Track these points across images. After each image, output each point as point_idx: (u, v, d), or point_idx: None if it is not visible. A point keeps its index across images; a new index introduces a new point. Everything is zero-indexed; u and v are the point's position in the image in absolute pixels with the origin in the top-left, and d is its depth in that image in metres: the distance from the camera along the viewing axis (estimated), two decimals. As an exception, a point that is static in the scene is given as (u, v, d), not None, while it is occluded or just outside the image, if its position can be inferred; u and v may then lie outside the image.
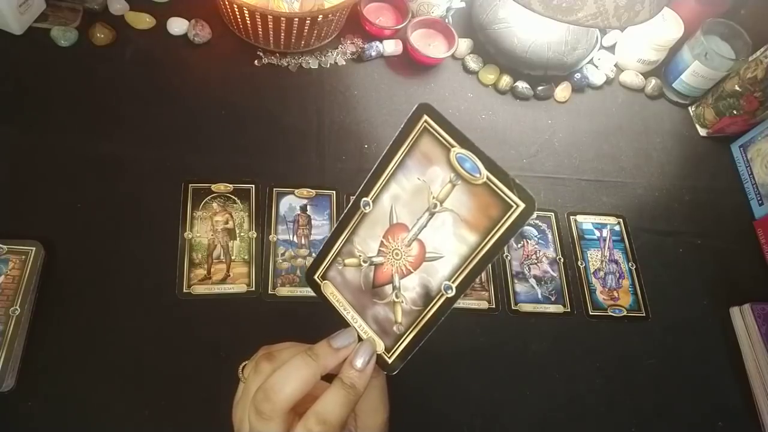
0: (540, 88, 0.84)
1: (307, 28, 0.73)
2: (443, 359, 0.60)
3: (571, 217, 0.75)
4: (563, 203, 0.76)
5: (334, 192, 0.68)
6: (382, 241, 0.36)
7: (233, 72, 0.75)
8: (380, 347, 0.37)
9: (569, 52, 0.82)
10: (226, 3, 0.72)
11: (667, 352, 0.68)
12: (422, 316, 0.35)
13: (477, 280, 0.66)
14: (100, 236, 0.60)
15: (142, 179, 0.64)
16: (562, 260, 0.71)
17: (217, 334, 0.58)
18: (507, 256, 0.70)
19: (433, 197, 0.33)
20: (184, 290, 0.59)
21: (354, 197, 0.37)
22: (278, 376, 0.34)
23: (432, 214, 0.34)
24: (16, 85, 0.67)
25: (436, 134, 0.33)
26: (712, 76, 0.85)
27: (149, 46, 0.74)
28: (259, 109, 0.73)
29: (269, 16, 0.70)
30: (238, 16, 0.72)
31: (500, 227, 0.31)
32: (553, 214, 0.74)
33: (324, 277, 0.40)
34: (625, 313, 0.70)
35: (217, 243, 0.62)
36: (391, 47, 0.81)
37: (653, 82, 0.90)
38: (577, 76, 0.86)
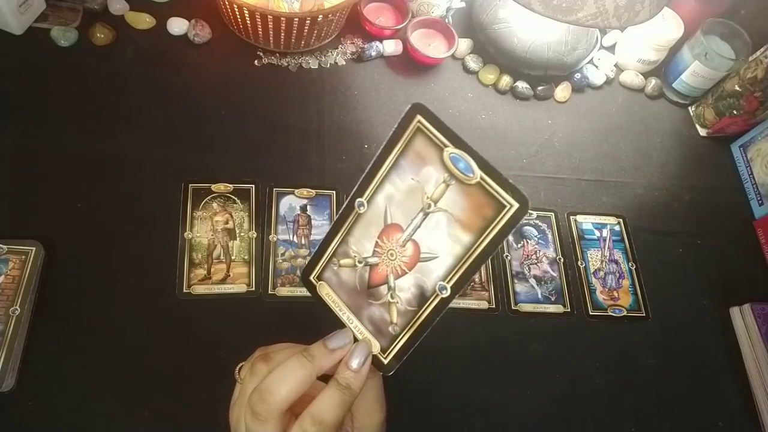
0: (540, 88, 0.84)
1: (307, 28, 0.73)
2: (443, 359, 0.60)
3: (571, 217, 0.75)
4: (563, 203, 0.76)
5: (334, 192, 0.68)
6: (377, 242, 0.36)
7: (233, 72, 0.75)
8: (376, 348, 0.37)
9: (569, 52, 0.82)
10: (226, 3, 0.72)
11: (667, 352, 0.68)
12: (417, 316, 0.35)
13: (477, 280, 0.67)
14: (100, 236, 0.60)
15: (142, 179, 0.64)
16: (562, 260, 0.71)
17: (217, 334, 0.58)
18: (507, 256, 0.70)
19: (427, 197, 0.33)
20: (184, 290, 0.59)
21: (348, 198, 0.37)
22: (274, 378, 0.34)
23: (426, 215, 0.34)
24: (16, 85, 0.67)
25: (430, 134, 0.32)
26: (712, 76, 0.85)
27: (149, 46, 0.74)
28: (259, 109, 0.73)
29: (269, 16, 0.70)
30: (238, 16, 0.72)
31: (494, 227, 0.31)
32: (553, 214, 0.74)
33: (320, 277, 0.40)
34: (625, 313, 0.70)
35: (217, 243, 0.62)
36: (391, 47, 0.81)
37: (653, 82, 0.90)
38: (577, 76, 0.86)
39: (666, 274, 0.74)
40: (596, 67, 0.89)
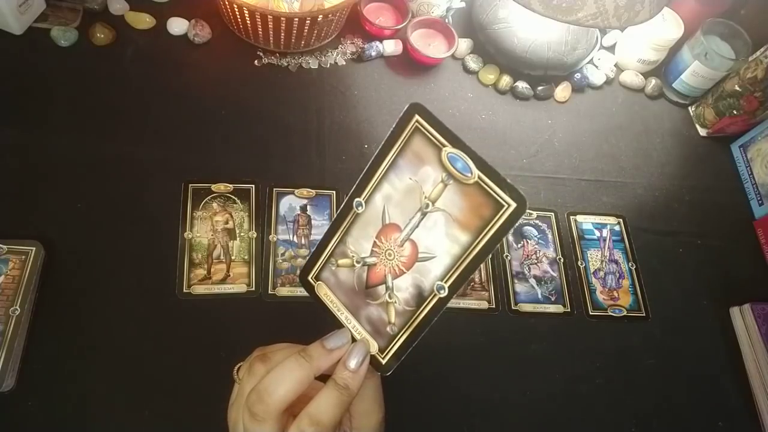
0: (540, 88, 0.84)
1: (307, 28, 0.73)
2: (443, 359, 0.60)
3: (571, 217, 0.75)
4: (563, 203, 0.76)
5: (334, 192, 0.68)
6: (374, 242, 0.36)
7: (233, 72, 0.75)
8: (374, 348, 0.37)
9: (569, 52, 0.82)
10: (226, 3, 0.72)
11: (667, 352, 0.68)
12: (415, 316, 0.35)
13: (477, 279, 0.67)
14: (100, 236, 0.60)
15: (142, 179, 0.64)
16: (562, 260, 0.71)
17: (217, 334, 0.58)
18: (507, 256, 0.70)
19: (425, 197, 0.33)
20: (184, 290, 0.59)
21: (346, 198, 0.37)
22: (271, 378, 0.34)
23: (424, 214, 0.34)
24: (16, 85, 0.67)
25: (428, 134, 0.32)
26: (712, 76, 0.85)
27: (149, 46, 0.74)
28: (259, 109, 0.73)
29: (269, 16, 0.70)
30: (238, 16, 0.72)
31: (492, 227, 0.31)
32: (553, 214, 0.74)
33: (318, 278, 0.40)
34: (625, 313, 0.70)
35: (217, 243, 0.62)
36: (391, 47, 0.81)
37: (653, 82, 0.90)
38: (577, 76, 0.86)
39: (666, 274, 0.74)
40: (596, 67, 0.89)
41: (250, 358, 0.37)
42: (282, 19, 0.70)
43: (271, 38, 0.75)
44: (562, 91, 0.85)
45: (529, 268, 0.70)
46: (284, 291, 0.62)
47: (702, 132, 0.89)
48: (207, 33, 0.75)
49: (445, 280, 0.34)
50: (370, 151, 0.72)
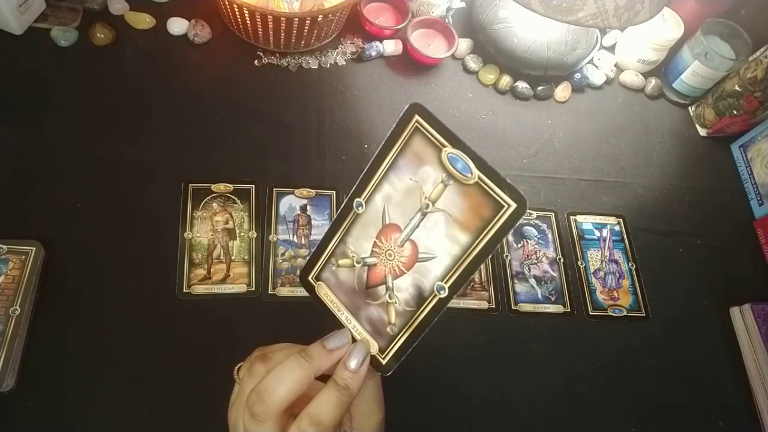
0: (540, 88, 0.84)
1: (307, 28, 0.73)
2: (443, 359, 0.60)
3: (571, 217, 0.75)
4: (563, 203, 0.76)
5: (334, 192, 0.68)
6: (375, 242, 0.36)
7: (233, 72, 0.75)
8: (374, 348, 0.37)
9: (569, 52, 0.82)
10: (226, 3, 0.72)
11: (667, 352, 0.68)
12: (415, 316, 0.35)
13: (477, 280, 0.67)
14: (100, 236, 0.60)
15: (142, 179, 0.64)
16: (562, 260, 0.71)
17: (217, 334, 0.58)
18: (507, 256, 0.70)
19: (425, 197, 0.33)
20: (184, 290, 0.59)
21: (347, 198, 0.37)
22: (272, 378, 0.34)
23: (424, 215, 0.34)
24: (16, 85, 0.67)
25: (428, 134, 0.32)
26: (712, 76, 0.85)
27: (149, 46, 0.74)
28: (259, 109, 0.73)
29: (269, 16, 0.70)
30: (238, 16, 0.72)
31: (492, 227, 0.31)
32: (553, 214, 0.74)
33: (318, 278, 0.40)
34: (625, 313, 0.70)
35: (217, 243, 0.62)
36: (391, 47, 0.81)
37: (653, 82, 0.90)
38: (577, 76, 0.86)
39: (666, 274, 0.74)
40: (596, 67, 0.89)
41: (250, 358, 0.37)
42: (282, 19, 0.70)
43: (271, 38, 0.75)
44: (562, 91, 0.85)
45: (529, 268, 0.70)
46: (284, 291, 0.62)
47: (702, 132, 0.89)
48: (207, 33, 0.75)
49: (445, 280, 0.34)
50: (370, 151, 0.72)
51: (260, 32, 0.74)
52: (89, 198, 0.62)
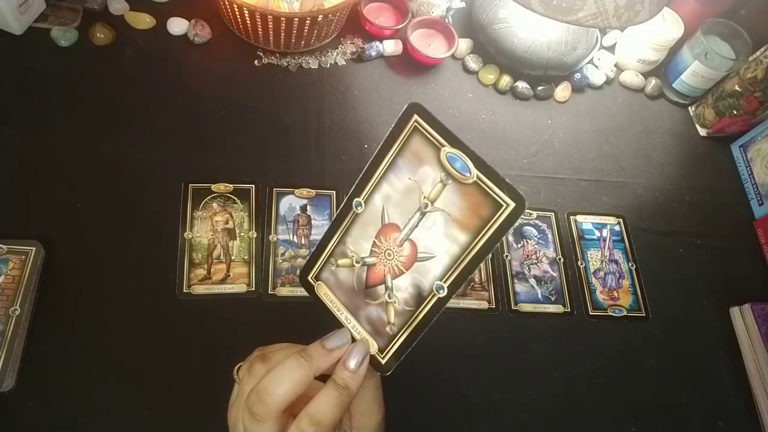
0: (540, 88, 0.84)
1: (307, 28, 0.73)
2: (443, 359, 0.60)
3: (571, 217, 0.75)
4: (563, 203, 0.76)
5: (334, 192, 0.68)
6: (374, 242, 0.36)
7: (233, 72, 0.75)
8: (373, 348, 0.37)
9: (569, 52, 0.82)
10: (226, 3, 0.72)
11: (667, 352, 0.68)
12: (415, 316, 0.35)
13: (477, 279, 0.67)
14: (100, 236, 0.60)
15: (142, 179, 0.64)
16: (562, 260, 0.71)
17: (217, 334, 0.58)
18: (507, 256, 0.70)
19: (424, 197, 0.33)
20: (184, 290, 0.59)
21: (346, 198, 0.37)
22: (271, 378, 0.34)
23: (423, 214, 0.34)
24: (16, 85, 0.67)
25: (427, 134, 0.32)
26: (712, 76, 0.85)
27: (149, 46, 0.74)
28: (259, 109, 0.73)
29: (269, 16, 0.70)
30: (238, 16, 0.72)
31: (491, 226, 0.31)
32: (553, 214, 0.74)
33: (317, 278, 0.40)
34: (625, 313, 0.70)
35: (217, 243, 0.62)
36: (391, 47, 0.81)
37: (653, 82, 0.90)
38: (577, 76, 0.86)
39: (666, 274, 0.74)
40: (596, 67, 0.89)
41: (250, 358, 0.37)
42: (282, 19, 0.70)
43: (271, 38, 0.75)
44: (562, 91, 0.85)
45: (529, 268, 0.70)
46: (284, 291, 0.62)
47: (702, 132, 0.89)
48: (207, 33, 0.75)
49: (444, 279, 0.34)
50: (370, 151, 0.72)
51: (260, 32, 0.74)
52: (89, 198, 0.62)
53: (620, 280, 0.72)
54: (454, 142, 0.32)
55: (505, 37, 0.82)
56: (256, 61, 0.76)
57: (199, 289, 0.60)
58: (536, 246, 0.72)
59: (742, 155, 0.86)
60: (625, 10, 0.69)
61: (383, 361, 0.37)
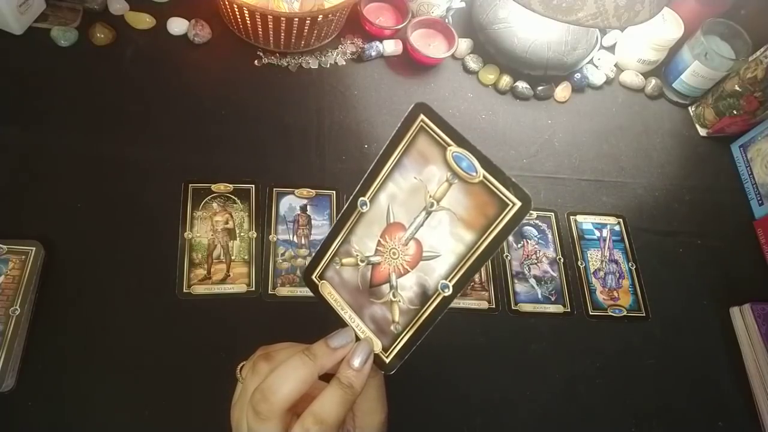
0: (540, 88, 0.84)
1: (307, 28, 0.73)
2: (443, 359, 0.60)
3: (571, 217, 0.75)
4: (563, 203, 0.76)
5: (334, 192, 0.68)
6: (379, 241, 0.36)
7: (233, 72, 0.75)
8: (378, 347, 0.37)
9: (569, 52, 0.82)
10: (226, 3, 0.72)
11: (667, 352, 0.68)
12: (419, 315, 0.35)
13: (477, 280, 0.67)
14: (100, 236, 0.60)
15: (142, 179, 0.64)
16: (562, 260, 0.71)
17: (217, 334, 0.58)
18: (507, 256, 0.70)
19: (430, 196, 0.33)
20: (184, 290, 0.59)
21: (351, 197, 0.37)
22: (276, 377, 0.34)
23: (429, 213, 0.34)
24: (16, 85, 0.67)
25: (433, 133, 0.33)
26: (712, 76, 0.85)
27: (149, 46, 0.74)
28: (259, 109, 0.73)
29: (269, 16, 0.70)
30: (238, 16, 0.72)
31: (497, 225, 0.31)
32: (553, 214, 0.74)
33: (321, 277, 0.40)
34: (625, 313, 0.70)
35: (217, 243, 0.62)
36: (391, 47, 0.81)
37: (653, 82, 0.90)
38: (577, 76, 0.86)
39: (666, 274, 0.74)
40: (596, 67, 0.89)
41: (253, 357, 0.37)
42: (282, 19, 0.70)
43: (271, 38, 0.75)
44: (562, 91, 0.85)
45: (529, 268, 0.70)
46: (284, 291, 0.62)
47: (702, 132, 0.89)
48: (207, 33, 0.75)
49: (449, 278, 0.34)
50: (369, 151, 0.72)
51: (260, 32, 0.74)
52: (89, 198, 0.62)
53: (620, 280, 0.72)
54: (461, 141, 0.32)
55: (505, 37, 0.82)
56: (256, 61, 0.76)
57: (199, 289, 0.60)
58: (536, 246, 0.72)
59: (742, 155, 0.86)
60: (625, 10, 0.69)
61: (387, 360, 0.37)
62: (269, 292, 0.61)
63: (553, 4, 0.68)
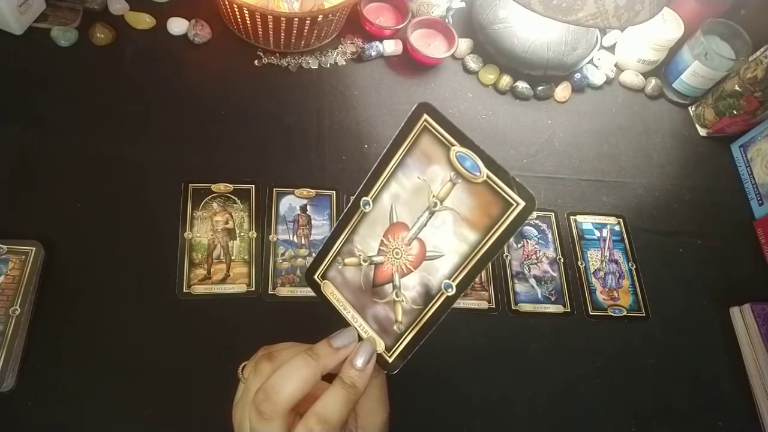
0: (540, 88, 0.84)
1: (307, 28, 0.73)
2: (444, 359, 0.60)
3: (571, 217, 0.75)
4: (563, 203, 0.76)
5: (334, 192, 0.68)
6: (382, 240, 0.36)
7: (233, 72, 0.75)
8: (380, 346, 0.37)
9: (569, 52, 0.82)
10: (226, 3, 0.72)
11: (667, 352, 0.68)
12: (422, 315, 0.35)
13: (477, 279, 0.67)
14: (100, 236, 0.60)
15: (142, 179, 0.64)
16: (562, 260, 0.71)
17: (217, 334, 0.57)
18: (507, 256, 0.70)
19: (433, 196, 0.34)
20: (184, 290, 0.59)
21: (354, 196, 0.37)
22: (278, 377, 0.34)
23: (432, 213, 0.34)
24: (16, 85, 0.67)
25: (436, 133, 0.33)
26: (712, 76, 0.85)
27: (149, 46, 0.74)
28: (259, 109, 0.73)
29: (269, 16, 0.70)
30: (238, 16, 0.72)
31: (500, 225, 0.32)
32: (553, 214, 0.74)
33: (324, 276, 0.40)
34: (625, 313, 0.70)
35: (217, 243, 0.62)
36: (391, 47, 0.81)
37: (653, 82, 0.90)
38: (577, 76, 0.86)
39: (666, 274, 0.74)
40: (596, 67, 0.89)
41: (255, 357, 0.37)
42: (282, 19, 0.70)
43: (271, 38, 0.75)
44: (562, 91, 0.85)
45: (529, 268, 0.70)
46: (284, 291, 0.62)
47: (702, 132, 0.89)
48: (207, 33, 0.75)
49: (452, 278, 0.34)
50: (370, 151, 0.72)
51: (260, 32, 0.74)
52: (89, 198, 0.62)
53: (620, 280, 0.72)
54: (464, 141, 0.32)
55: (505, 37, 0.82)
56: (256, 61, 0.76)
57: (199, 289, 0.60)
58: (536, 246, 0.72)
59: (742, 155, 0.86)
60: (625, 10, 0.69)
61: (390, 360, 0.37)
62: (269, 292, 0.61)
63: (553, 4, 0.68)
